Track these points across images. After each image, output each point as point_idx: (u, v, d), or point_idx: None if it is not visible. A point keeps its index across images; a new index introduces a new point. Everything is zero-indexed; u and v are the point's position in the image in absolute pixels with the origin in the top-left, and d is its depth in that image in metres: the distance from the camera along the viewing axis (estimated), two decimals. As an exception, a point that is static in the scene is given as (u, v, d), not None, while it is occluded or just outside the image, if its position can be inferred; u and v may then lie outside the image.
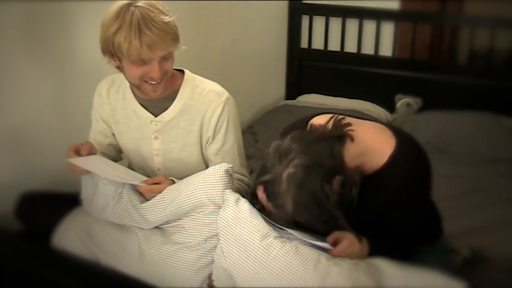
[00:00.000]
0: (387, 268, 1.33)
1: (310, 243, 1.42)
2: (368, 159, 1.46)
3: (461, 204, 2.29)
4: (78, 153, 1.68)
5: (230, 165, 1.57)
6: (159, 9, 1.59)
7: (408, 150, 1.47)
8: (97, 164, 1.71)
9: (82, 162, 1.67)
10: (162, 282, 1.55)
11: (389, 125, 1.57)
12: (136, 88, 1.72)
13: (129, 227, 1.67)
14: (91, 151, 1.71)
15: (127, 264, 1.61)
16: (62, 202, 1.85)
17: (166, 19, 1.58)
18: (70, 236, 1.72)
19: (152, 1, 1.61)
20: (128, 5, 1.57)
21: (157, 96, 1.70)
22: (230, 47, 3.08)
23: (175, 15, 1.63)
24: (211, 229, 1.55)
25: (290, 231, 1.42)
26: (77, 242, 1.70)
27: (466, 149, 2.76)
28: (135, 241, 1.63)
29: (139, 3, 1.58)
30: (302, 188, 1.32)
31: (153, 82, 1.64)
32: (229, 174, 1.56)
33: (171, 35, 1.59)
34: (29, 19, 1.95)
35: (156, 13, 1.57)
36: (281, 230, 1.46)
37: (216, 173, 1.56)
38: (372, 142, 1.47)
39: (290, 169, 1.34)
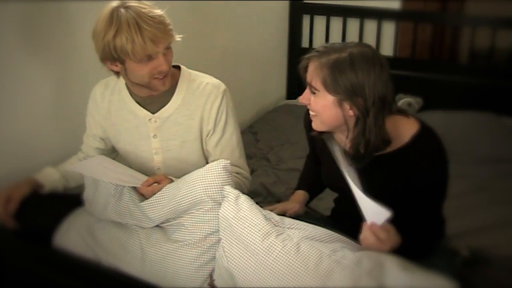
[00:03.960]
0: (391, 267, 1.33)
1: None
2: (393, 136, 1.50)
3: (461, 204, 2.29)
4: (10, 202, 1.72)
5: (228, 161, 1.58)
6: (149, 5, 1.62)
7: (429, 134, 1.53)
8: (99, 168, 1.71)
9: (83, 167, 1.68)
10: (163, 281, 1.56)
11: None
12: (142, 87, 1.71)
13: (130, 226, 1.67)
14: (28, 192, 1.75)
15: (128, 263, 1.62)
16: (61, 202, 1.84)
17: (159, 12, 1.62)
18: (71, 236, 1.72)
19: (140, 0, 1.64)
20: (117, 8, 1.59)
21: (165, 89, 1.72)
22: (231, 47, 3.08)
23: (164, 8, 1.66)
24: (210, 226, 1.56)
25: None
26: (79, 241, 1.70)
27: (467, 149, 2.76)
28: (136, 240, 1.64)
29: (128, 3, 1.60)
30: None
31: (161, 76, 1.66)
32: (227, 170, 1.57)
33: (168, 25, 1.63)
34: (29, 21, 1.95)
35: (148, 9, 1.60)
36: (282, 227, 1.46)
37: (214, 169, 1.56)
38: (399, 121, 1.54)
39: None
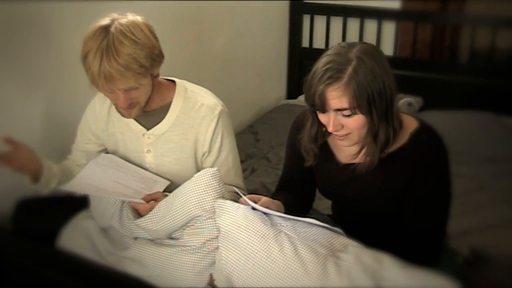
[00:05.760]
0: (390, 267, 1.33)
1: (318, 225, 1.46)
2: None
3: (462, 204, 2.29)
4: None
5: (216, 168, 1.56)
6: (132, 38, 1.53)
7: (428, 131, 1.52)
8: (102, 174, 1.70)
9: (84, 177, 1.67)
10: (163, 285, 1.55)
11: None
12: None
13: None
14: None
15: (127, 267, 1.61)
16: (60, 206, 1.84)
17: (135, 52, 1.52)
18: (74, 241, 1.73)
19: (134, 23, 1.56)
20: (106, 27, 1.53)
21: (133, 117, 1.68)
22: (231, 47, 3.08)
23: (160, 36, 1.56)
24: (209, 233, 1.55)
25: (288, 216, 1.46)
26: (81, 245, 1.71)
27: (467, 149, 2.76)
28: (136, 244, 1.64)
29: (117, 24, 1.54)
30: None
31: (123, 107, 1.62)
32: (215, 177, 1.54)
33: (136, 69, 1.52)
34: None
35: (126, 44, 1.51)
36: (279, 228, 1.46)
37: (203, 180, 1.54)
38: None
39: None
